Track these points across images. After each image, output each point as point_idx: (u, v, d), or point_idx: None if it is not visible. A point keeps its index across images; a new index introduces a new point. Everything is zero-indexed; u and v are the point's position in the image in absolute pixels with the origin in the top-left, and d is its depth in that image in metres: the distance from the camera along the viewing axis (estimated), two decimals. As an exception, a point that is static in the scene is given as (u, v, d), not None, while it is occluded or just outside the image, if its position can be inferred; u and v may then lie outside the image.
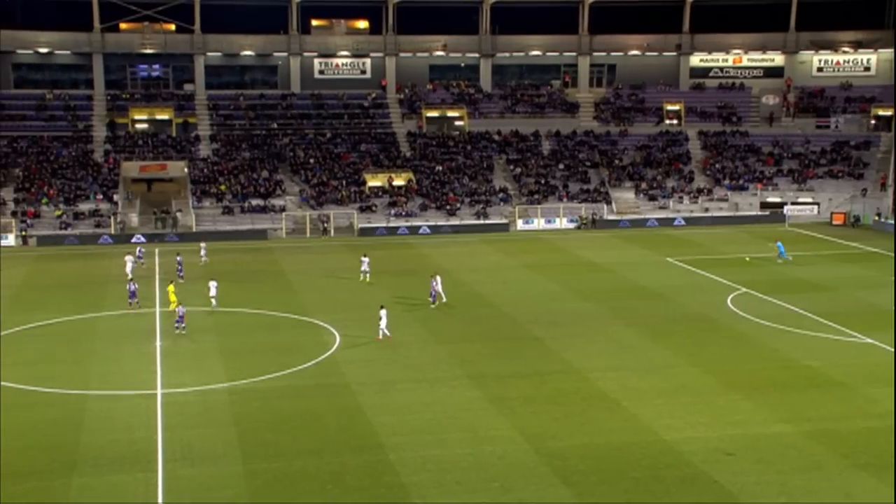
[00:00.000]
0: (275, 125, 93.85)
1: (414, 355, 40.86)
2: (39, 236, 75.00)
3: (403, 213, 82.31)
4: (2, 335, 44.27)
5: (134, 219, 79.74)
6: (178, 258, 58.85)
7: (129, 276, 54.33)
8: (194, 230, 77.76)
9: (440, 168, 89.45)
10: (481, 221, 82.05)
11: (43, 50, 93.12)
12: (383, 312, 43.23)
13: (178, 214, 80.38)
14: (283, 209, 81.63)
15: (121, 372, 38.50)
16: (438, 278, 50.81)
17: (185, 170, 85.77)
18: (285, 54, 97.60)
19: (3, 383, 36.67)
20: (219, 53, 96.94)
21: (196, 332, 44.88)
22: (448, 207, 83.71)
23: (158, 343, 42.89)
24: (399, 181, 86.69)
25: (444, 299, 50.43)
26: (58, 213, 78.34)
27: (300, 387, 36.56)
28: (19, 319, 47.18)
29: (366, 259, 57.11)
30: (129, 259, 57.67)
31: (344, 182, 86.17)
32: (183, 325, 44.31)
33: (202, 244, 66.55)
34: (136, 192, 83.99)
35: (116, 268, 59.24)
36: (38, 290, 54.74)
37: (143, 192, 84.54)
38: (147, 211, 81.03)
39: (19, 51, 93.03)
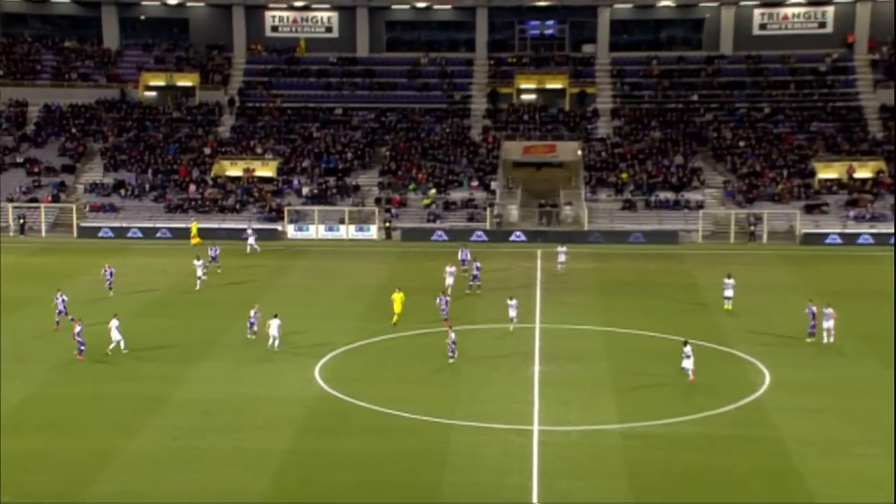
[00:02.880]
0: (695, 97, 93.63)
1: (878, 409, 38.59)
2: (404, 229, 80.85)
3: (867, 217, 78.51)
4: (356, 346, 48.18)
5: (513, 212, 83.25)
6: (476, 264, 59.91)
7: (448, 285, 56.63)
8: (585, 228, 79.56)
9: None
10: (983, 231, 75.99)
11: (421, 5, 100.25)
12: (688, 349, 41.64)
13: (567, 208, 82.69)
14: (700, 205, 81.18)
15: (491, 400, 40.17)
16: (831, 310, 47.49)
17: (579, 152, 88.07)
18: (715, 4, 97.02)
19: (358, 402, 39.83)
20: (628, 5, 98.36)
21: (579, 357, 45.84)
22: (934, 210, 78.56)
23: (537, 368, 44.27)
24: (864, 172, 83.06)
25: (826, 339, 47.13)
26: (426, 201, 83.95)
27: (715, 437, 35.99)
28: (378, 328, 51.04)
29: (730, 281, 54.93)
30: (450, 271, 58.23)
31: (784, 172, 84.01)
32: (453, 351, 44.92)
33: (561, 248, 66.21)
34: (518, 178, 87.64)
35: (499, 272, 62.02)
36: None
37: (525, 179, 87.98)
38: (530, 202, 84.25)
39: (394, 6, 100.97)
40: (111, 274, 58.58)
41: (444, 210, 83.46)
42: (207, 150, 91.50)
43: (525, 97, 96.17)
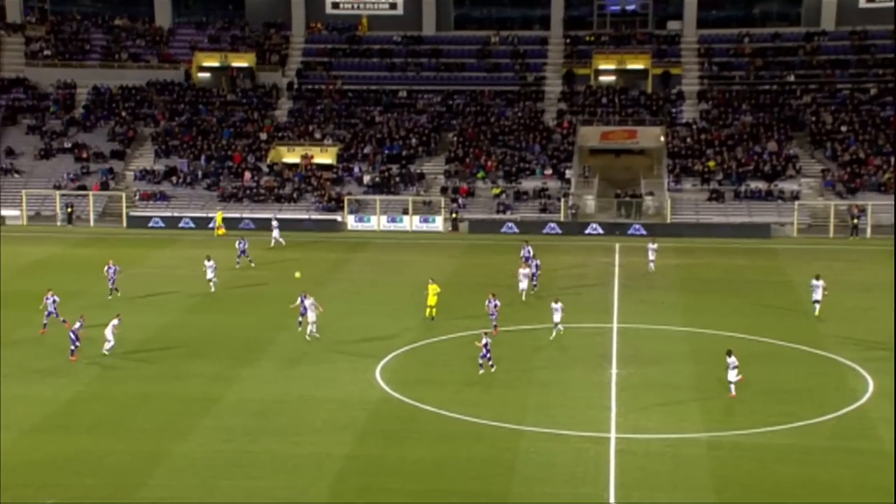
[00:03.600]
0: (791, 77, 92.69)
1: None
2: (472, 220, 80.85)
3: (979, 210, 77.20)
4: (419, 345, 48.30)
5: (590, 202, 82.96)
6: (536, 262, 59.01)
7: (522, 290, 56.27)
8: (668, 220, 79.02)
9: None
10: None
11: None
12: (732, 360, 40.91)
13: (648, 199, 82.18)
14: (795, 196, 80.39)
15: (565, 404, 40.07)
16: None
17: (662, 138, 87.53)
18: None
19: (422, 406, 39.86)
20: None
21: (660, 359, 45.58)
22: None
23: (614, 371, 44.10)
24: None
25: None
26: (495, 190, 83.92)
27: (813, 448, 35.54)
28: (443, 326, 51.12)
29: (818, 283, 53.74)
30: (524, 273, 57.16)
31: (892, 160, 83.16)
32: (488, 358, 43.71)
33: (652, 244, 64.59)
34: (595, 166, 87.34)
35: (576, 267, 61.76)
36: (467, 290, 58.79)
37: (603, 168, 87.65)
38: (608, 193, 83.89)
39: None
40: (115, 272, 56.77)
41: (514, 200, 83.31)
42: (263, 136, 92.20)
43: (604, 78, 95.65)
